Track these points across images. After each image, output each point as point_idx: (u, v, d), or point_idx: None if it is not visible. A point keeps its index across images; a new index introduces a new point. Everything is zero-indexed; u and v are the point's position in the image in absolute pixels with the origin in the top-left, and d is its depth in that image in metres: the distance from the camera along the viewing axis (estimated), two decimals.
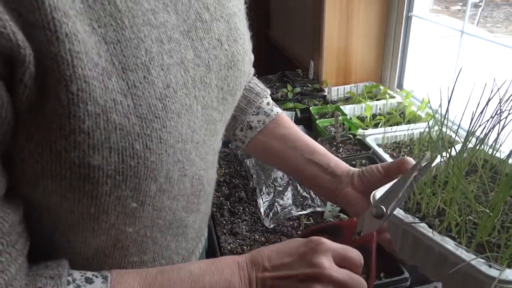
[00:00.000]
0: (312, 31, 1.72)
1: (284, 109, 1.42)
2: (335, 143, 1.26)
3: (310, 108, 1.49)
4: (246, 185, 1.14)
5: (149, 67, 0.40)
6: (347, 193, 0.67)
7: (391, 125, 1.33)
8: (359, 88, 1.66)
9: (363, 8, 1.58)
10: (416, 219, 0.53)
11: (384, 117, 1.41)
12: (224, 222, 1.01)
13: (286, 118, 0.78)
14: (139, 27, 0.40)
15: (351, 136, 1.28)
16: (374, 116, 1.44)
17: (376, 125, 1.37)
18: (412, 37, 1.54)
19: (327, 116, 1.48)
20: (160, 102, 0.41)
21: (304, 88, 1.70)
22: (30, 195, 0.41)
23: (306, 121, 1.47)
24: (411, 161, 0.62)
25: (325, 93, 1.62)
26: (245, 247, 0.92)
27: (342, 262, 0.48)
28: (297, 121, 1.39)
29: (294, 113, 1.41)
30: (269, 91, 0.81)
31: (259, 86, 0.79)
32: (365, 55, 1.67)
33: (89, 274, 0.43)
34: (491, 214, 0.48)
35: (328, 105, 1.53)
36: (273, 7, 2.49)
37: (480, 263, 0.45)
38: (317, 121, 1.39)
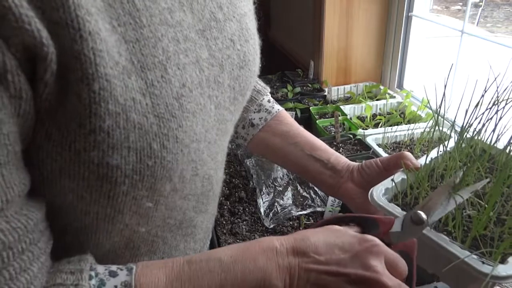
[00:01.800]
0: (312, 31, 1.72)
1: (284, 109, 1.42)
2: (335, 143, 1.26)
3: (310, 108, 1.49)
4: (246, 185, 1.14)
5: (166, 66, 0.40)
6: (347, 187, 0.67)
7: (391, 125, 1.32)
8: (359, 88, 1.66)
9: (363, 8, 1.58)
10: None
11: (384, 117, 1.41)
12: (224, 222, 1.01)
13: (286, 115, 0.79)
14: (156, 26, 0.40)
15: (351, 136, 1.27)
16: (374, 116, 1.44)
17: (376, 125, 1.37)
18: (412, 37, 1.54)
19: (327, 116, 1.48)
20: (176, 101, 0.41)
21: (304, 88, 1.70)
22: (45, 195, 0.40)
23: (306, 121, 1.47)
24: (409, 155, 0.62)
25: (325, 93, 1.62)
26: None
27: (391, 269, 0.44)
28: (297, 121, 1.37)
29: (294, 113, 1.41)
30: (269, 89, 0.82)
31: (260, 83, 0.79)
32: (365, 55, 1.67)
33: (113, 267, 0.41)
34: (486, 206, 0.49)
35: (328, 105, 1.53)
36: (273, 7, 2.49)
37: (473, 260, 0.45)
38: (317, 121, 1.39)
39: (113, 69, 0.36)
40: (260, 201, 1.05)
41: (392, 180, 0.58)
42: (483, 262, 0.45)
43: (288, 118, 0.78)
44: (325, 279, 0.43)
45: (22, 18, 0.30)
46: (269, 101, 0.79)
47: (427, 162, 0.58)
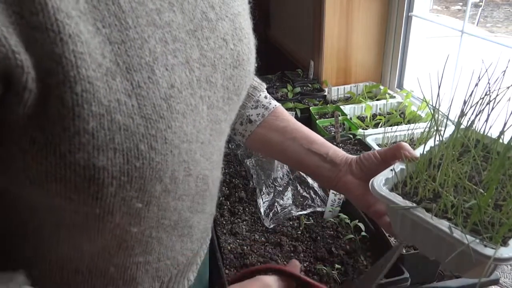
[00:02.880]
0: (312, 31, 1.72)
1: None
2: (335, 143, 1.27)
3: (310, 108, 1.49)
4: (246, 185, 1.14)
5: (153, 67, 0.40)
6: (346, 180, 0.68)
7: (391, 125, 1.33)
8: (359, 88, 1.66)
9: (363, 8, 1.58)
10: (413, 203, 0.54)
11: (384, 117, 1.41)
12: (224, 222, 1.01)
13: (284, 110, 0.80)
14: (142, 27, 0.40)
15: (351, 136, 1.28)
16: (374, 116, 1.44)
17: (376, 125, 1.37)
18: (412, 37, 1.54)
19: (327, 116, 1.48)
20: (165, 102, 0.41)
21: (304, 88, 1.70)
22: (33, 196, 0.40)
23: (306, 121, 1.47)
24: (407, 146, 0.63)
25: (325, 93, 1.62)
26: (245, 247, 0.92)
27: None
28: (297, 121, 1.39)
29: (294, 113, 1.41)
30: (265, 85, 0.82)
31: (256, 80, 0.80)
32: (365, 55, 1.67)
33: None
34: (485, 194, 0.49)
35: (328, 105, 1.53)
36: (273, 7, 2.49)
37: (475, 243, 0.47)
38: (317, 121, 1.39)
39: (96, 71, 0.36)
40: (260, 201, 1.05)
41: (392, 169, 0.59)
42: (485, 246, 0.46)
43: (285, 113, 0.79)
44: None
45: None
46: (265, 97, 0.80)
47: (427, 150, 0.59)
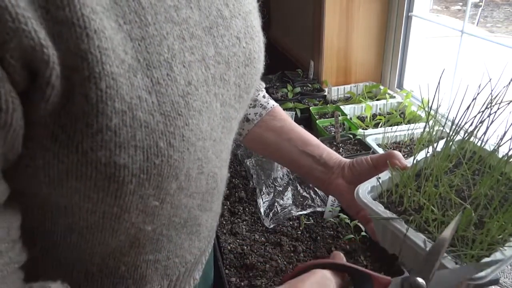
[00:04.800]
0: (312, 31, 1.72)
1: (284, 109, 1.42)
2: (335, 143, 1.26)
3: (310, 108, 1.49)
4: (246, 185, 1.14)
5: (172, 64, 0.40)
6: (337, 183, 0.68)
7: (391, 125, 1.33)
8: (359, 88, 1.66)
9: (363, 8, 1.58)
10: (396, 213, 0.54)
11: (384, 117, 1.41)
12: (224, 222, 1.01)
13: (281, 110, 0.80)
14: (161, 24, 0.40)
15: (351, 136, 1.28)
16: (374, 116, 1.44)
17: (376, 125, 1.37)
18: (412, 37, 1.54)
19: (327, 116, 1.48)
20: (182, 99, 0.41)
21: (304, 88, 1.70)
22: (50, 196, 0.40)
23: (306, 121, 1.47)
24: (398, 155, 0.63)
25: (325, 93, 1.62)
26: (245, 247, 0.92)
27: None
28: (297, 121, 1.39)
29: (294, 113, 1.41)
30: (264, 84, 0.82)
31: None
32: (365, 55, 1.67)
33: None
34: (468, 206, 0.49)
35: (328, 105, 1.53)
36: (273, 7, 2.49)
37: (448, 260, 0.47)
38: (317, 121, 1.39)
39: (119, 67, 0.36)
40: (260, 201, 1.05)
41: (378, 178, 0.59)
42: (456, 263, 0.46)
43: (282, 113, 0.79)
44: None
45: (18, 19, 0.30)
46: (264, 96, 0.80)
47: (416, 162, 0.59)
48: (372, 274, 0.47)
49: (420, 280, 0.46)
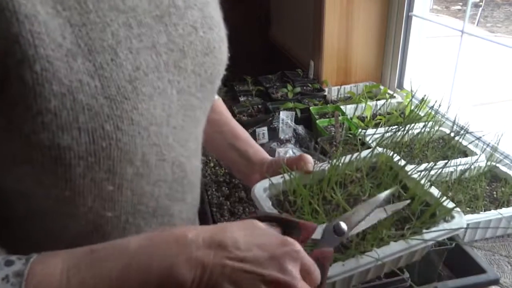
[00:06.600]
0: (312, 31, 1.72)
1: (284, 109, 1.42)
2: (335, 143, 1.26)
3: (310, 108, 1.49)
4: (246, 185, 1.14)
5: (116, 50, 0.41)
6: (254, 179, 0.70)
7: (391, 125, 1.32)
8: (359, 88, 1.66)
9: (363, 8, 1.58)
10: (282, 211, 0.60)
11: (384, 117, 1.41)
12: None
13: (221, 104, 0.82)
14: (104, 11, 0.41)
15: (351, 136, 1.27)
16: (374, 116, 1.44)
17: (376, 125, 1.37)
18: (412, 37, 1.54)
19: (327, 116, 1.48)
20: (129, 84, 0.42)
21: (304, 88, 1.70)
22: (3, 181, 0.41)
23: (306, 121, 1.47)
24: (307, 158, 0.66)
25: (325, 93, 1.62)
26: None
27: (306, 276, 0.44)
28: (297, 121, 1.39)
29: (294, 113, 1.40)
30: None
31: None
32: (365, 55, 1.67)
33: (13, 257, 0.39)
34: (349, 209, 0.55)
35: (328, 105, 1.53)
36: (273, 7, 2.49)
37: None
38: (317, 121, 1.39)
39: (55, 51, 0.37)
40: None
41: (269, 178, 0.64)
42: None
43: (221, 107, 0.82)
44: (239, 275, 0.41)
45: None
46: None
47: (327, 168, 0.65)
48: (299, 221, 0.49)
49: (343, 225, 0.50)
